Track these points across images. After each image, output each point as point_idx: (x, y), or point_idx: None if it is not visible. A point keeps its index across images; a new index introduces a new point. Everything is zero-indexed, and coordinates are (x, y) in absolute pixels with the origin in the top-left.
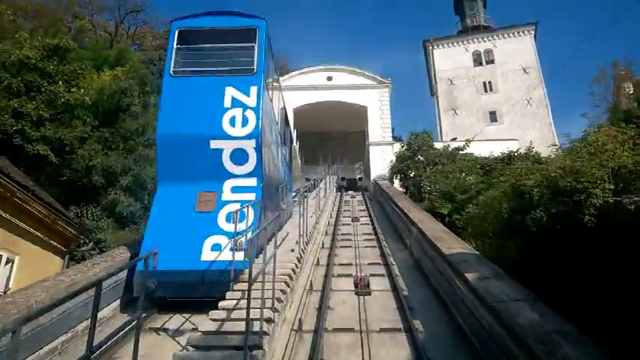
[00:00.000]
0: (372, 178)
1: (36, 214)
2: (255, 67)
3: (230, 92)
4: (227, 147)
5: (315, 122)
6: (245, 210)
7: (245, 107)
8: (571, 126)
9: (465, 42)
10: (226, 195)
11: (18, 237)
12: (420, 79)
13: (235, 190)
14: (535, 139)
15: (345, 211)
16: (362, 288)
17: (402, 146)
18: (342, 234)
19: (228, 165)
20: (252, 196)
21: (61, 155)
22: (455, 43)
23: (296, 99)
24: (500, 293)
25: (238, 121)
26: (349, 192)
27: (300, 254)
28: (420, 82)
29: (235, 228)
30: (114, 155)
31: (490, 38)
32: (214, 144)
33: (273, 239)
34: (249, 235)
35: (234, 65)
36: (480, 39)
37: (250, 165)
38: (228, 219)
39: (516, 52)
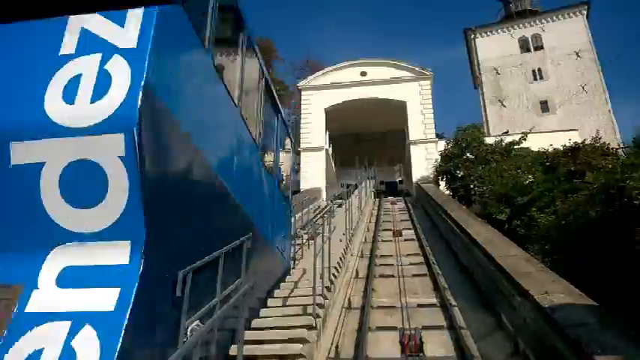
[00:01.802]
0: (414, 180)
1: None
2: None
3: (77, 21)
4: (53, 157)
5: (349, 123)
6: (81, 344)
7: (111, 50)
8: (627, 111)
9: (510, 28)
10: (43, 295)
11: None
12: (458, 74)
13: (71, 277)
14: (592, 128)
15: (384, 222)
16: (412, 352)
17: (448, 143)
18: (382, 256)
19: (56, 206)
20: (112, 297)
21: None
22: (499, 30)
23: (327, 99)
24: None
25: (87, 85)
26: (389, 198)
27: (316, 324)
28: (458, 77)
29: None
30: None
31: (537, 22)
32: (21, 152)
33: None
34: None
35: None
36: (526, 24)
37: (115, 203)
38: None
39: (567, 34)
